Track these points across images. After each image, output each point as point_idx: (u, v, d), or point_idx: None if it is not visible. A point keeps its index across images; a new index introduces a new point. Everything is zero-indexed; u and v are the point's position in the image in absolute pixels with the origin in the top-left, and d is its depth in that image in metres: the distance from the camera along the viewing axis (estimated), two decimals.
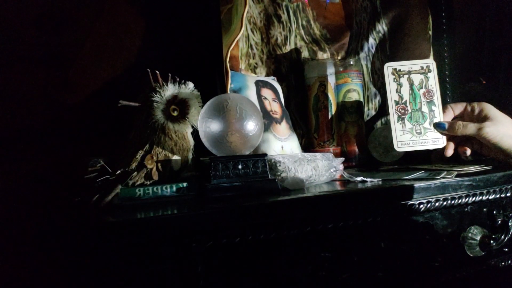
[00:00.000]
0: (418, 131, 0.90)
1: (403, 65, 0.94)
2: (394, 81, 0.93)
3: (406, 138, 0.89)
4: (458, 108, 0.89)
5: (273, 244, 0.58)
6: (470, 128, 0.83)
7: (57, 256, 0.83)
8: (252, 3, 1.06)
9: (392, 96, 0.92)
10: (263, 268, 0.58)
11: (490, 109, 0.84)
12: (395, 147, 0.90)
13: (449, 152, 0.88)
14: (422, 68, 0.94)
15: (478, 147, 0.86)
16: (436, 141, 0.89)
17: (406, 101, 0.92)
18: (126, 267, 0.51)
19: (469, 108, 0.88)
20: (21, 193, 0.84)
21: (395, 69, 0.94)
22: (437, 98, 0.91)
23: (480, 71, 1.32)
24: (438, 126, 0.88)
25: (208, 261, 0.54)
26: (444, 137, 0.89)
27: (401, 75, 0.93)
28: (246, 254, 0.57)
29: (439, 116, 0.90)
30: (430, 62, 0.95)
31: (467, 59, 1.34)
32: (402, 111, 0.91)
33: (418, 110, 0.91)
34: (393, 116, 0.91)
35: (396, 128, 0.90)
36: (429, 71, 0.93)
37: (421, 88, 0.92)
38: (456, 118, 0.90)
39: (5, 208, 0.83)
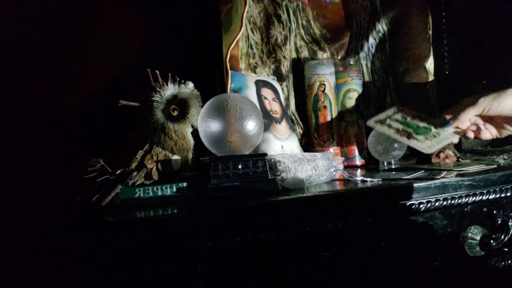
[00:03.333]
0: (432, 135, 0.91)
1: (381, 115, 0.98)
2: (383, 125, 0.96)
3: (427, 143, 0.90)
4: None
5: (273, 244, 0.58)
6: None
7: (57, 255, 0.83)
8: (252, 3, 1.06)
9: (391, 133, 0.94)
10: (263, 268, 0.58)
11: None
12: (427, 153, 0.90)
13: (470, 134, 0.90)
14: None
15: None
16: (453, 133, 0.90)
17: (403, 129, 0.93)
18: (126, 267, 0.51)
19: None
20: (21, 193, 0.84)
21: (376, 121, 0.97)
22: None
23: (480, 71, 1.32)
24: (445, 125, 0.89)
25: (208, 261, 0.54)
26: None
27: (384, 122, 0.97)
28: (246, 254, 0.57)
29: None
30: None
31: (467, 59, 1.34)
32: (407, 134, 0.92)
33: (418, 127, 0.92)
34: (403, 140, 0.92)
35: (413, 143, 0.91)
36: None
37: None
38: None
39: (5, 208, 0.83)
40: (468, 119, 0.88)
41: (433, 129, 0.91)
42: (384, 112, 1.00)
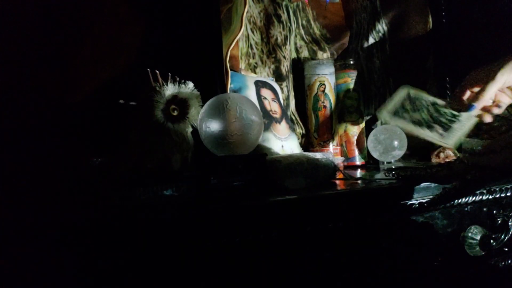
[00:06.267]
0: (449, 126, 0.80)
1: (392, 105, 0.85)
2: (399, 118, 0.83)
3: (451, 139, 0.79)
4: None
5: (273, 244, 0.58)
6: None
7: (56, 256, 0.82)
8: (252, 3, 1.06)
9: (411, 128, 0.82)
10: (263, 268, 0.58)
11: None
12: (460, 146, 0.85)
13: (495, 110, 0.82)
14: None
15: None
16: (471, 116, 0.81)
17: (420, 119, 0.83)
18: (126, 267, 0.51)
19: None
20: (20, 193, 0.84)
21: (389, 112, 0.83)
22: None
23: None
24: (469, 109, 0.80)
25: (208, 261, 0.54)
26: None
27: (399, 113, 0.84)
28: (246, 254, 0.57)
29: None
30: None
31: (467, 59, 1.34)
32: (427, 125, 0.82)
33: (439, 115, 0.82)
34: (425, 133, 0.80)
35: (428, 135, 0.80)
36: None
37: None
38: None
39: (5, 208, 0.82)
40: (490, 97, 0.81)
41: (449, 116, 0.81)
42: (393, 101, 0.86)
